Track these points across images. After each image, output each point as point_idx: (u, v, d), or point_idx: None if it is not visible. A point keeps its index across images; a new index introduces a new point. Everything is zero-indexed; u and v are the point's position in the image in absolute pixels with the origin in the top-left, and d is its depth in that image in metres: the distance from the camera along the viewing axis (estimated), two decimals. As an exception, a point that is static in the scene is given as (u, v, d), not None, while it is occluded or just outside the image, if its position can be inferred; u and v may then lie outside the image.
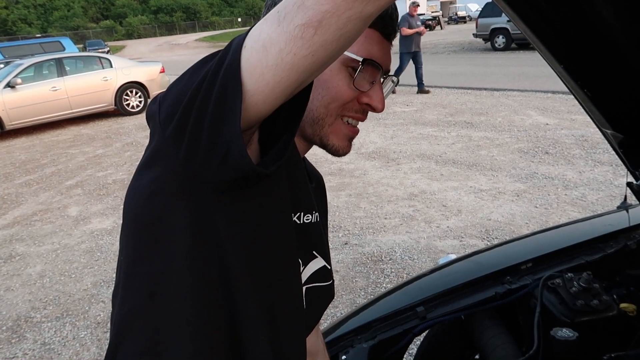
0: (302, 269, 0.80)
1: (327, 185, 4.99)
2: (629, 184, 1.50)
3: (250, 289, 0.66)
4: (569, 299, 1.30)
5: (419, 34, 9.75)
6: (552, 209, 4.04)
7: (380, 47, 0.75)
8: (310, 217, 0.82)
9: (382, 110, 0.77)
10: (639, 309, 1.32)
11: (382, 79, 0.79)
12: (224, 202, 0.62)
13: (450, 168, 5.36)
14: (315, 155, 5.87)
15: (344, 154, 0.81)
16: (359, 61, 0.72)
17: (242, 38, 0.53)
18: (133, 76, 10.85)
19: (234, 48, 0.53)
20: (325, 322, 2.77)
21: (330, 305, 3.02)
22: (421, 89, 10.03)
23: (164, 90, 0.61)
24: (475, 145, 6.08)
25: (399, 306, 1.44)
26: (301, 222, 0.80)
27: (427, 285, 1.55)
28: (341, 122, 0.78)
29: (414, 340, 1.43)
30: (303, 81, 0.53)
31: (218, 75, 0.53)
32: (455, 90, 9.83)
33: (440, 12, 46.60)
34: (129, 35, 69.01)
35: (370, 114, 0.80)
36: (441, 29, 36.27)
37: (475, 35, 17.85)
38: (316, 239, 0.85)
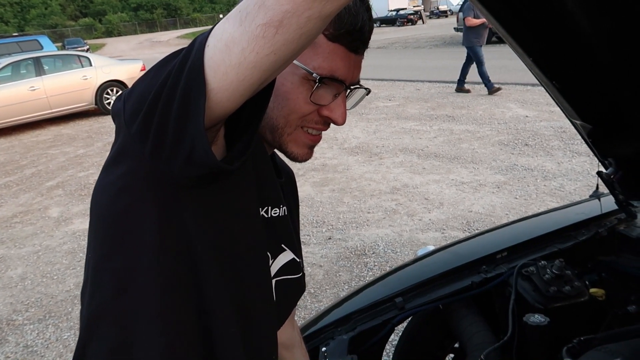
0: (271, 262, 0.81)
1: (310, 180, 4.98)
2: (598, 173, 1.54)
3: (219, 282, 0.68)
4: (542, 286, 1.33)
5: (485, 26, 8.04)
6: (531, 200, 4.11)
7: (346, 62, 0.74)
8: (278, 211, 0.83)
9: (342, 124, 0.77)
10: (608, 294, 1.36)
11: (348, 91, 0.78)
12: (191, 198, 0.64)
13: (432, 161, 5.41)
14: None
15: (304, 161, 0.81)
16: (315, 78, 0.72)
17: (205, 37, 0.54)
18: (113, 74, 10.71)
19: (197, 47, 0.54)
20: (309, 315, 2.79)
21: (314, 299, 3.05)
22: (490, 88, 8.46)
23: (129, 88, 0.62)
24: (457, 139, 6.14)
25: (379, 297, 1.46)
26: (269, 216, 0.81)
27: (406, 277, 1.57)
28: (301, 131, 0.78)
29: (396, 330, 1.45)
30: (266, 79, 0.54)
31: (182, 73, 0.54)
32: (437, 84, 9.89)
33: (422, 6, 46.77)
34: (109, 33, 68.01)
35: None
36: (423, 23, 36.42)
37: (457, 29, 17.94)
38: (284, 233, 0.86)
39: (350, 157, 5.90)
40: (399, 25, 36.36)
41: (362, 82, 0.80)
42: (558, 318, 1.27)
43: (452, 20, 26.54)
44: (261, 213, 0.78)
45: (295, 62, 0.71)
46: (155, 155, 0.57)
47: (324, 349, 1.33)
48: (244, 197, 0.72)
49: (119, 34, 67.88)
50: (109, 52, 35.70)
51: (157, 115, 0.55)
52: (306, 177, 5.24)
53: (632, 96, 1.31)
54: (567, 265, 1.38)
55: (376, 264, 3.42)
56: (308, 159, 0.82)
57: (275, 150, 0.84)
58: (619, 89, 1.30)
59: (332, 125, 0.79)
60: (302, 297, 3.09)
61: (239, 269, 0.71)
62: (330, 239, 3.89)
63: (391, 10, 42.20)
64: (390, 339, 1.49)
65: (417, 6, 45.39)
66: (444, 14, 43.26)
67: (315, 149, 0.82)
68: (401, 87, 10.33)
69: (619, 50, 1.20)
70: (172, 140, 0.55)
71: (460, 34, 17.63)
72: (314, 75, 0.72)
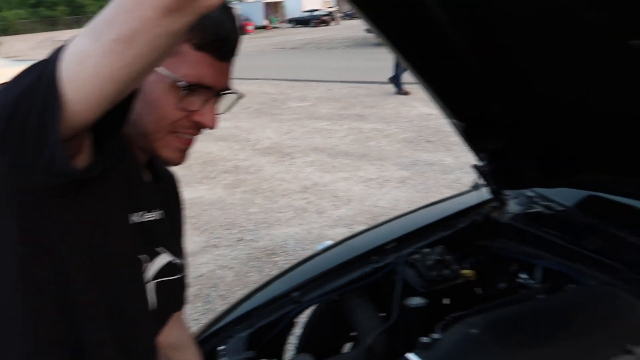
0: (147, 265, 0.83)
1: (222, 183, 4.92)
2: (474, 166, 1.69)
3: (88, 289, 0.69)
4: (424, 272, 1.43)
5: None
6: (431, 193, 4.36)
7: (212, 70, 0.76)
8: (153, 215, 0.85)
9: (212, 128, 0.80)
10: (481, 274, 1.50)
11: (218, 97, 0.81)
12: (54, 208, 0.64)
13: (342, 160, 5.58)
14: (211, 154, 5.80)
15: (178, 164, 0.83)
16: (182, 86, 0.74)
17: (61, 50, 0.56)
18: (8, 77, 9.83)
19: (53, 60, 0.55)
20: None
21: (223, 302, 3.04)
22: (399, 89, 8.66)
23: None
24: (365, 137, 6.37)
25: (276, 294, 1.51)
26: (143, 220, 0.82)
27: (303, 272, 1.62)
28: (173, 136, 0.79)
29: (299, 325, 1.50)
30: (122, 90, 0.57)
31: (38, 86, 0.55)
32: (348, 85, 10.13)
33: (337, 7, 47.55)
34: (4, 31, 62.87)
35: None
36: (337, 24, 37.09)
37: (368, 31, 18.39)
38: (160, 236, 0.88)
39: (263, 157, 5.92)
40: (313, 26, 36.76)
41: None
42: (438, 299, 1.38)
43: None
44: (132, 218, 0.79)
45: (162, 70, 0.73)
46: (15, 166, 0.58)
47: (221, 347, 1.35)
48: (110, 203, 0.73)
49: (16, 32, 62.93)
50: (5, 51, 32.87)
51: (16, 128, 0.56)
52: (218, 180, 5.20)
53: (496, 97, 1.45)
54: (447, 251, 1.49)
55: (286, 262, 3.48)
56: (181, 163, 0.84)
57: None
58: (485, 91, 1.45)
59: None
60: (212, 299, 3.08)
61: (109, 275, 0.72)
62: (240, 240, 3.90)
63: (305, 11, 42.55)
64: (294, 333, 1.54)
65: (331, 7, 46.09)
66: (357, 15, 44.12)
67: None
68: (314, 87, 10.46)
69: (482, 56, 1.34)
70: (32, 151, 0.56)
71: (372, 35, 18.15)
72: (181, 83, 0.74)
